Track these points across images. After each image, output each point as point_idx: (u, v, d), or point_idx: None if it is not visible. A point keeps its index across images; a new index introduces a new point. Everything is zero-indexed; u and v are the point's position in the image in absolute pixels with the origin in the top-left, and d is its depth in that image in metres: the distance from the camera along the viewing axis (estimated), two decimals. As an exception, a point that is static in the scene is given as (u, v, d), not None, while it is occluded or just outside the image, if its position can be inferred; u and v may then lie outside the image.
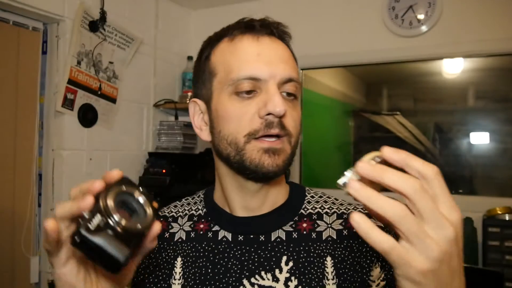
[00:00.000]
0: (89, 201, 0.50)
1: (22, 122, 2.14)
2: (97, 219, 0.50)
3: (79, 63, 2.24)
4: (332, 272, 0.73)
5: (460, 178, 3.10)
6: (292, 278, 0.72)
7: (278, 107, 0.69)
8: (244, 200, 0.78)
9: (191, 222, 0.83)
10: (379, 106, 3.69)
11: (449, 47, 2.45)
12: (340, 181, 0.47)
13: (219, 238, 0.78)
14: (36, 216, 2.22)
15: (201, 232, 0.80)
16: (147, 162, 2.69)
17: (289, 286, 0.72)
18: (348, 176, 0.47)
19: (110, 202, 0.52)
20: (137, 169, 2.67)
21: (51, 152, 2.23)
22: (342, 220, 0.79)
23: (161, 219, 0.85)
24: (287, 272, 0.73)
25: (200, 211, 0.84)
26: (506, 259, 2.12)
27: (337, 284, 0.72)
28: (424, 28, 2.46)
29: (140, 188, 0.57)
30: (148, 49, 2.73)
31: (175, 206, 0.88)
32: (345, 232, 0.77)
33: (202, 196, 0.87)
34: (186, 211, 0.85)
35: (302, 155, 2.90)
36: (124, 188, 0.55)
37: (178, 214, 0.85)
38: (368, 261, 0.74)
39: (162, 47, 2.83)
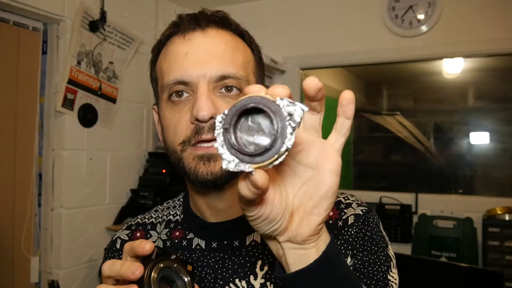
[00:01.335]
0: None
1: (22, 122, 2.14)
2: None
3: (79, 63, 2.24)
4: None
5: (460, 178, 3.10)
6: (268, 283, 0.68)
7: (201, 111, 0.63)
8: (212, 206, 0.73)
9: (168, 230, 0.79)
10: (379, 106, 3.69)
11: (449, 47, 2.45)
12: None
13: (193, 247, 0.74)
14: (36, 216, 2.22)
15: (176, 241, 0.77)
16: (147, 162, 2.69)
17: None
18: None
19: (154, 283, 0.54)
20: (137, 169, 2.67)
21: (51, 152, 2.23)
22: None
23: (140, 228, 0.82)
24: (262, 277, 0.69)
25: (177, 217, 0.80)
26: (506, 259, 2.12)
27: None
28: (424, 28, 2.47)
29: (174, 256, 0.58)
30: (148, 49, 2.70)
31: (156, 211, 0.85)
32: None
33: (182, 199, 0.83)
34: (165, 217, 0.81)
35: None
36: (162, 265, 0.57)
37: (157, 221, 0.82)
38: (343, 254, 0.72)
39: (162, 47, 2.83)
